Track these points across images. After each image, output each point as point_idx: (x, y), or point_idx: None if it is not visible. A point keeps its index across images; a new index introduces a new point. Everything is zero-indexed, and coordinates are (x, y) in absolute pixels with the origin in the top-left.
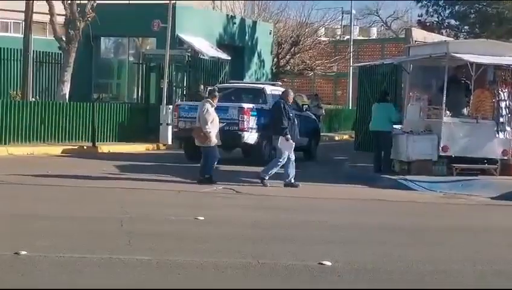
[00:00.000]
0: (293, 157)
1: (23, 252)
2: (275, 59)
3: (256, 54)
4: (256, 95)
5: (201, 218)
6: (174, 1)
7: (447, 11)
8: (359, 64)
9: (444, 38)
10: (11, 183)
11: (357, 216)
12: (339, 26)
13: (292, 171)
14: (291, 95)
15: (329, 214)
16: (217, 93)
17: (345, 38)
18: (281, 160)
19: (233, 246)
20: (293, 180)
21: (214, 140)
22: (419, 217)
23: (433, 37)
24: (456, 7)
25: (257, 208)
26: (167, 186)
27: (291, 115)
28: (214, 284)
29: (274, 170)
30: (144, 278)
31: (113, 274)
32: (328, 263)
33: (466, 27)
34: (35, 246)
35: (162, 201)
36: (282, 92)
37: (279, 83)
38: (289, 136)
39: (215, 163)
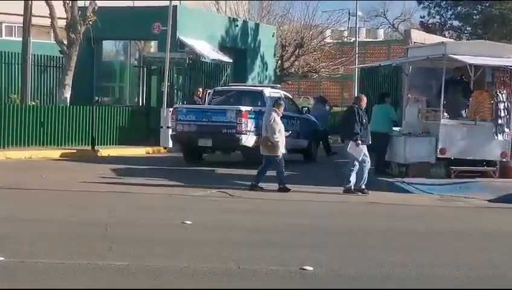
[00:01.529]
0: (367, 163)
1: (0, 258)
2: (279, 61)
3: (259, 57)
4: (255, 97)
5: (189, 222)
6: (176, 2)
7: (450, 12)
8: (360, 66)
9: (444, 40)
10: (1, 188)
11: (348, 220)
12: (345, 28)
13: (364, 176)
14: (365, 100)
15: (319, 218)
16: (282, 102)
17: (352, 40)
18: (364, 164)
19: (215, 251)
20: (363, 186)
21: (282, 149)
22: (413, 220)
23: (434, 39)
24: (459, 8)
25: (248, 212)
26: (160, 190)
27: (364, 120)
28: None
29: (365, 175)
30: (118, 284)
31: (89, 281)
32: (310, 268)
33: (468, 28)
34: (12, 251)
35: (152, 205)
36: (356, 97)
37: (278, 85)
38: (360, 141)
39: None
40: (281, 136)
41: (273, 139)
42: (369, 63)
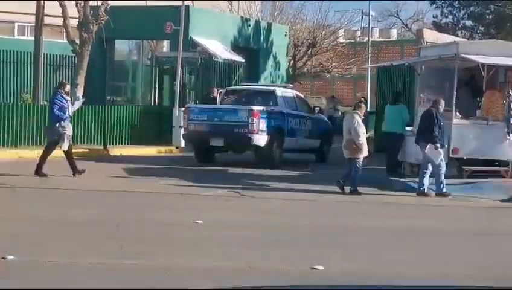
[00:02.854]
0: (443, 168)
1: (11, 257)
2: (292, 61)
3: (271, 56)
4: (267, 97)
5: (200, 221)
6: (189, 1)
7: (462, 12)
8: (372, 65)
9: (457, 39)
10: (13, 187)
11: (358, 220)
12: (358, 28)
13: (441, 179)
14: (443, 103)
15: (328, 218)
16: (363, 105)
17: (364, 40)
18: (440, 168)
19: (226, 250)
20: (444, 190)
21: (365, 152)
22: (425, 220)
23: (446, 39)
24: (471, 8)
25: (258, 211)
26: (171, 190)
27: (442, 123)
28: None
29: (443, 178)
30: (129, 283)
31: (99, 280)
32: (321, 268)
33: (481, 28)
34: (24, 251)
35: (163, 204)
36: (434, 101)
37: (291, 85)
38: (438, 144)
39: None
40: (364, 139)
41: (358, 141)
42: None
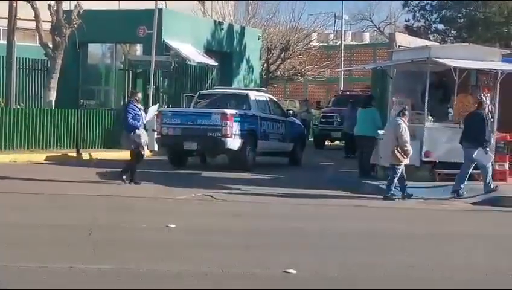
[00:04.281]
0: (490, 169)
1: None
2: (265, 64)
3: (244, 60)
4: (240, 100)
5: (173, 226)
6: (162, 2)
7: (434, 16)
8: (344, 69)
9: (429, 43)
10: None
11: (331, 223)
12: (331, 32)
13: (487, 178)
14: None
15: (302, 221)
16: (407, 112)
17: (337, 44)
18: (488, 169)
19: (199, 254)
20: (492, 186)
21: (407, 159)
22: (397, 223)
23: (419, 42)
24: (443, 12)
25: (232, 215)
26: (145, 193)
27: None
28: None
29: (490, 178)
30: (102, 287)
31: (72, 284)
32: (293, 271)
33: (453, 32)
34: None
35: (136, 208)
36: (478, 103)
37: (264, 88)
38: (488, 148)
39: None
40: (409, 145)
41: (404, 148)
42: (354, 66)
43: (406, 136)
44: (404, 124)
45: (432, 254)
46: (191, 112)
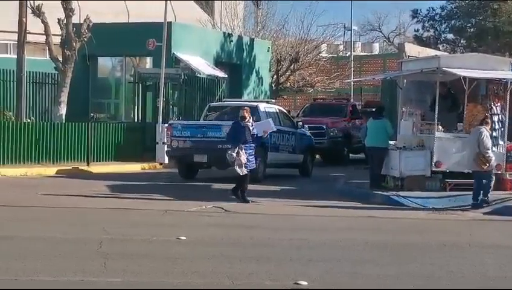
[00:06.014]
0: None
1: None
2: (275, 76)
3: (254, 72)
4: (250, 113)
5: (183, 238)
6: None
7: (444, 26)
8: (354, 80)
9: (438, 53)
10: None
11: (342, 234)
12: (341, 43)
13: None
14: None
15: (313, 232)
16: (489, 120)
17: (347, 54)
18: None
19: (210, 266)
20: None
21: (493, 165)
22: (408, 233)
23: (428, 52)
24: (453, 21)
25: (242, 227)
26: (155, 206)
27: None
28: None
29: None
30: None
31: None
32: (304, 283)
33: (463, 41)
34: (5, 268)
35: (146, 221)
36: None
37: (273, 100)
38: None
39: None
40: (491, 152)
41: (486, 154)
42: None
43: (488, 143)
44: (486, 131)
45: (444, 265)
46: (201, 125)
